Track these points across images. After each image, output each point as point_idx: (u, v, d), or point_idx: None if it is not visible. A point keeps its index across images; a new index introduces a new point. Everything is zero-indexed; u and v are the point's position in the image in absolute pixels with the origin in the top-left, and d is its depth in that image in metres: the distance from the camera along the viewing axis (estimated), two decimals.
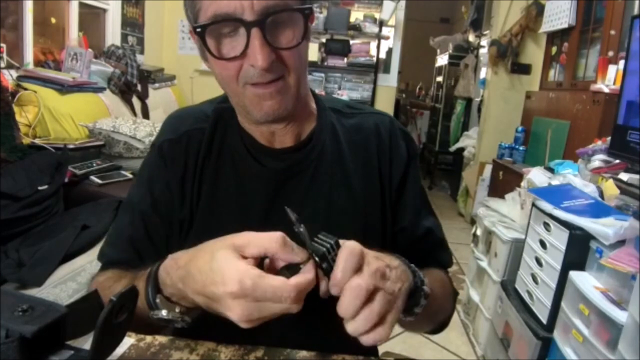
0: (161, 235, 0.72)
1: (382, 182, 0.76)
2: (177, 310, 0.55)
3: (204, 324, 0.57)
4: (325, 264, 0.48)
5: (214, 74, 0.66)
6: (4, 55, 2.28)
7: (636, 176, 1.63)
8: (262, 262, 0.51)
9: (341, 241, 0.50)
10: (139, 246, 0.72)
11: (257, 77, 0.60)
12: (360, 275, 0.48)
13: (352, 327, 0.49)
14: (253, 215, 0.71)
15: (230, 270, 0.46)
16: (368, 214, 0.75)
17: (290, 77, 0.63)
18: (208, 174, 0.72)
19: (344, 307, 0.48)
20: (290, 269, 0.49)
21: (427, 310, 0.61)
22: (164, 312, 0.54)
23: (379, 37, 3.97)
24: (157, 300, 0.55)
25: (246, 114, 0.68)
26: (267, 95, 0.62)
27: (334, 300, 0.50)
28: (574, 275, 1.43)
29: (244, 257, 0.48)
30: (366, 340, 0.50)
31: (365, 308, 0.48)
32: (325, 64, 4.03)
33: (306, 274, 0.48)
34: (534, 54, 3.66)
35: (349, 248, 0.49)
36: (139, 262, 0.71)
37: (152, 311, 0.55)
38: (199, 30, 0.59)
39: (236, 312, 0.46)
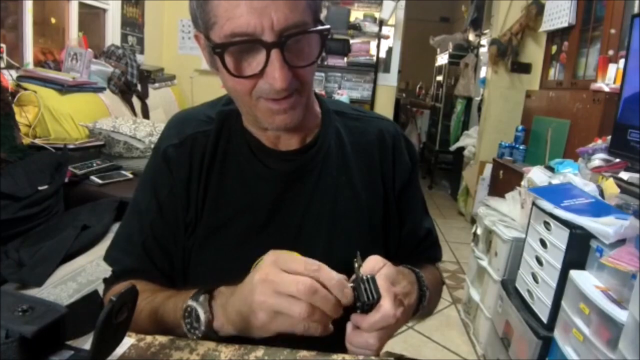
0: (169, 241, 0.73)
1: (385, 185, 0.77)
2: (207, 314, 0.58)
3: None
4: (359, 303, 0.56)
5: (225, 86, 0.66)
6: (4, 55, 2.28)
7: (636, 175, 1.63)
8: None
9: (383, 296, 0.56)
10: (152, 253, 0.72)
11: (272, 93, 0.61)
12: (386, 334, 0.57)
13: (356, 340, 0.58)
14: (258, 217, 0.71)
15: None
16: (372, 216, 0.76)
17: (303, 91, 0.64)
18: (213, 176, 0.72)
19: (358, 342, 0.57)
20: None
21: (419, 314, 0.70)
22: (199, 307, 0.58)
23: (379, 36, 3.96)
24: (201, 297, 0.59)
25: (255, 122, 0.69)
26: (281, 111, 0.63)
27: None
28: (574, 274, 1.43)
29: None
30: (358, 352, 0.58)
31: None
32: (325, 63, 4.02)
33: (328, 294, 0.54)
34: (534, 53, 3.66)
35: (386, 314, 0.56)
36: (155, 270, 0.72)
37: (189, 299, 0.59)
38: (218, 50, 0.58)
39: (258, 294, 0.53)
